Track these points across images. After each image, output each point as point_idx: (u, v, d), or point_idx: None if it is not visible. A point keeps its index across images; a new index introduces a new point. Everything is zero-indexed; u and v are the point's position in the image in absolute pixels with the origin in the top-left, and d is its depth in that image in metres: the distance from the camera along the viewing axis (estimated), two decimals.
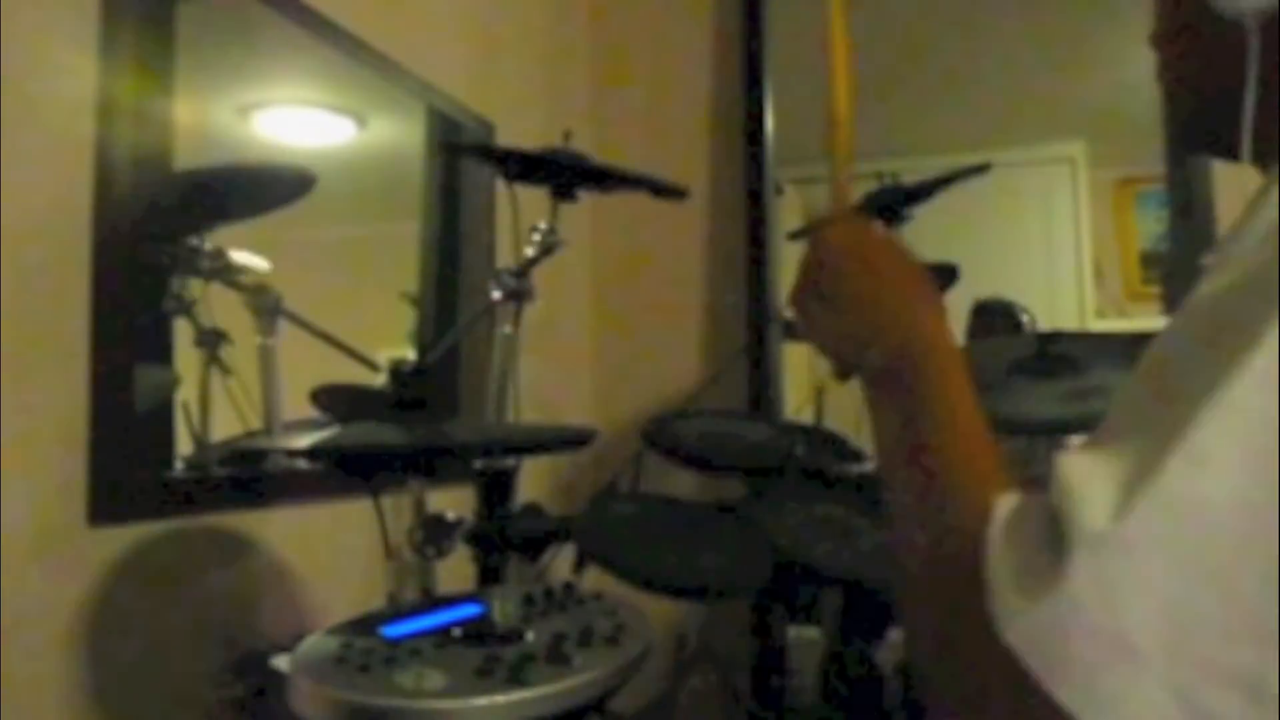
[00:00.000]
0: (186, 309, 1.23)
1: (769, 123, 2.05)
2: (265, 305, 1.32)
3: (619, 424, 1.72)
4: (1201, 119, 0.71)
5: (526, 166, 1.23)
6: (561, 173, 1.20)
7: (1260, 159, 0.65)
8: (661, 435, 1.50)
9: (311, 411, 1.43)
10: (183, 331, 1.22)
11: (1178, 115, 0.74)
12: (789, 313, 0.79)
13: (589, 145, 1.64)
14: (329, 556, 1.36)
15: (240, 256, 1.30)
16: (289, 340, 1.34)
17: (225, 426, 1.28)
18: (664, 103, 2.17)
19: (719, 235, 2.09)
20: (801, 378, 2.06)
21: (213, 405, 1.27)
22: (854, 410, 1.84)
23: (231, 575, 1.23)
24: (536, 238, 1.21)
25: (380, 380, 1.51)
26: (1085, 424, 1.59)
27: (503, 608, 0.92)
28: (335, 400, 1.45)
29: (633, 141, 2.13)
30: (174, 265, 1.20)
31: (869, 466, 1.72)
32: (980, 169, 1.67)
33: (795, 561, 1.20)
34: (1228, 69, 0.64)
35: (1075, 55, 2.01)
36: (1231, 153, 0.65)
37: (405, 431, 1.10)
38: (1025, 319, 1.86)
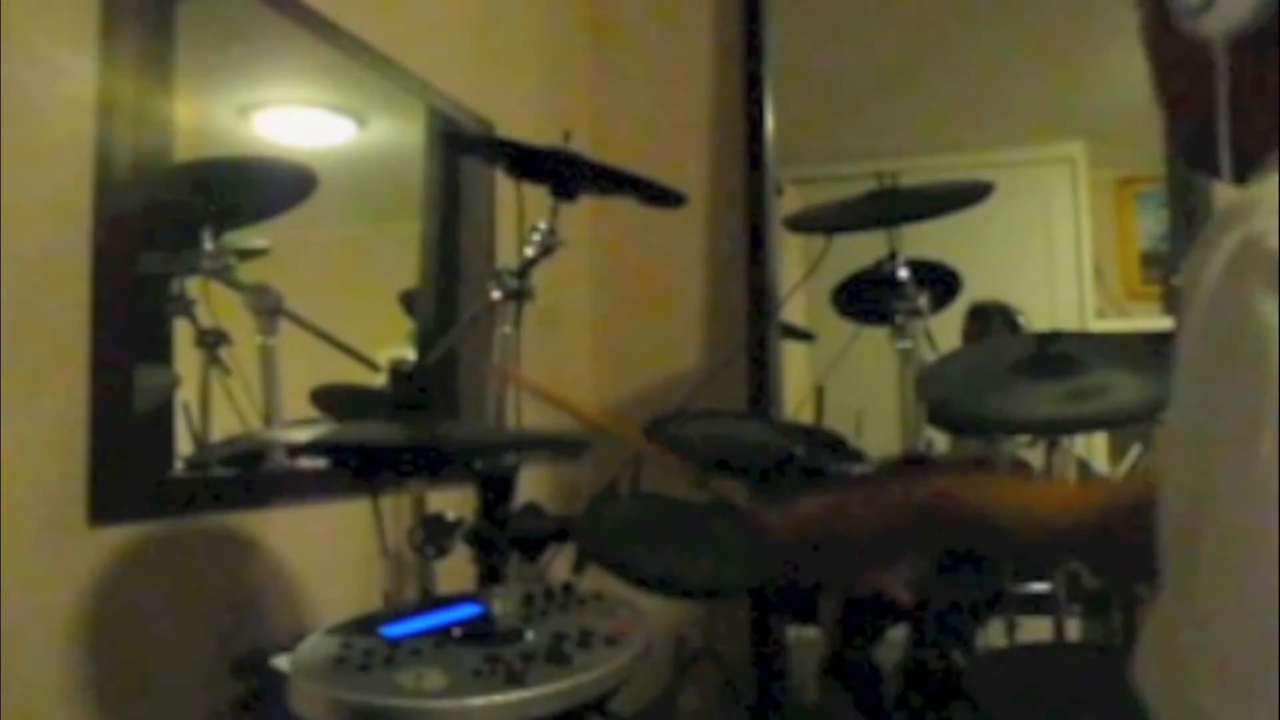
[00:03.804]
0: (186, 309, 1.23)
1: (769, 123, 2.05)
2: (265, 305, 1.32)
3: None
4: (1194, 137, 0.71)
5: (529, 163, 1.23)
6: (566, 170, 1.20)
7: (1243, 177, 0.65)
8: (661, 435, 1.50)
9: (311, 412, 1.43)
10: (183, 331, 1.22)
11: (1173, 133, 0.74)
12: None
13: (589, 145, 1.65)
14: (329, 556, 1.36)
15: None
16: (289, 340, 1.34)
17: (225, 426, 1.28)
18: (664, 103, 2.17)
19: (719, 235, 2.09)
20: (801, 377, 2.06)
21: (213, 405, 1.27)
22: (854, 410, 1.85)
23: (231, 575, 1.23)
24: (536, 238, 1.21)
25: (380, 380, 1.51)
26: (1085, 424, 1.59)
27: (503, 608, 0.92)
28: (335, 400, 1.45)
29: (633, 142, 2.13)
30: (174, 265, 1.20)
31: (869, 466, 1.72)
32: (983, 189, 1.67)
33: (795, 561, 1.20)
34: (1205, 87, 0.65)
35: (1075, 55, 2.01)
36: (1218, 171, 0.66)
37: (405, 430, 1.10)
38: (1021, 320, 1.86)
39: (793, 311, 2.07)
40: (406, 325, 1.70)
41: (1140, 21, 0.74)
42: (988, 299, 1.92)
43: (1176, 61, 0.70)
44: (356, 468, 1.15)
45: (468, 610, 0.95)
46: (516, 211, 1.22)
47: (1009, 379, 1.41)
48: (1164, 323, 1.94)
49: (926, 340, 1.70)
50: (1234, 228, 0.52)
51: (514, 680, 0.80)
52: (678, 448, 1.49)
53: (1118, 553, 0.82)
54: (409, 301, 1.70)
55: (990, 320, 1.89)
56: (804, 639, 1.81)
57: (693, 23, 2.16)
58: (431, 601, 1.04)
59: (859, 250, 1.81)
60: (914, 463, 1.59)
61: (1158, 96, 0.74)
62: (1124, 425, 1.96)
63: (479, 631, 0.90)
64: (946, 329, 1.84)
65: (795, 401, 1.99)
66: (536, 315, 1.26)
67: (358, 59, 1.48)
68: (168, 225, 1.16)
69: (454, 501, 1.14)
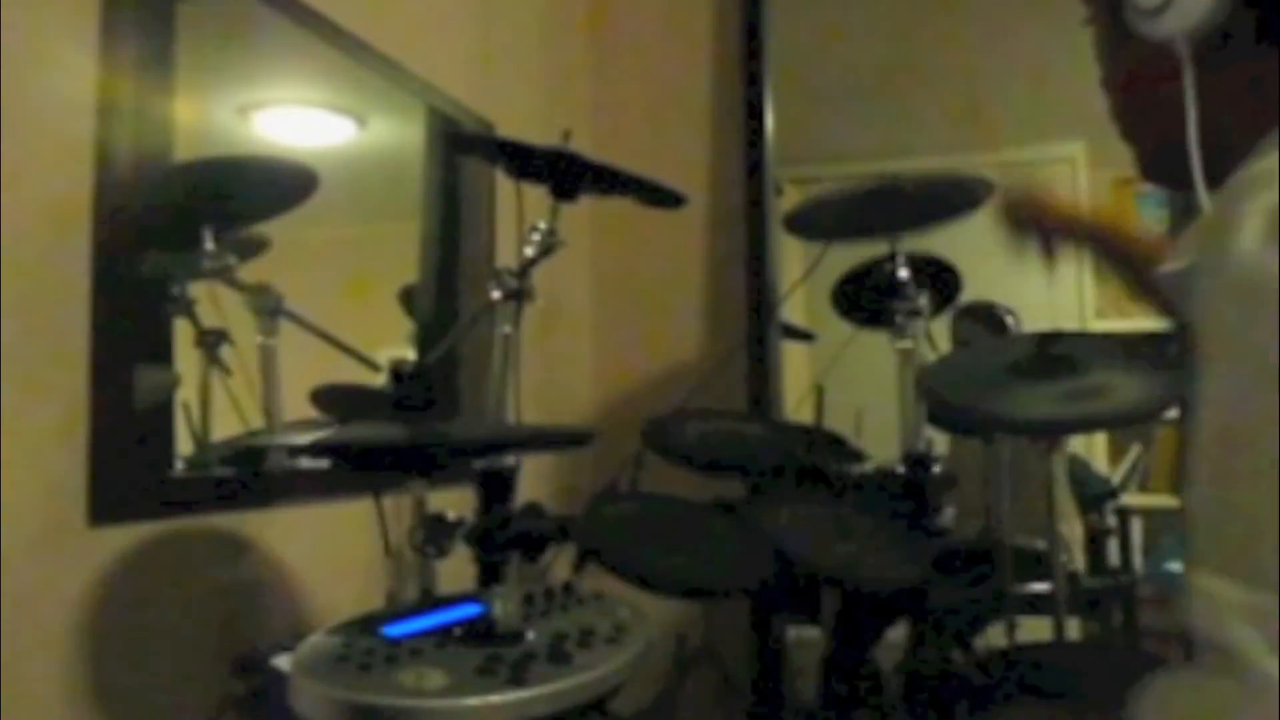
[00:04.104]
0: (187, 309, 1.23)
1: (769, 123, 2.05)
2: (265, 305, 1.32)
3: (619, 424, 1.72)
4: (1158, 150, 0.71)
5: (529, 163, 1.23)
6: (567, 170, 1.20)
7: (1217, 179, 0.65)
8: (661, 435, 1.50)
9: (311, 411, 1.43)
10: (183, 331, 1.22)
11: (1138, 155, 0.75)
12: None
13: (589, 145, 1.65)
14: (329, 556, 1.36)
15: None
16: (289, 340, 1.34)
17: (225, 426, 1.28)
18: (664, 103, 2.17)
19: (719, 235, 2.09)
20: (801, 377, 2.06)
21: (213, 405, 1.27)
22: (854, 410, 1.85)
23: (231, 575, 1.23)
24: (536, 238, 1.21)
25: (380, 380, 1.51)
26: (1085, 424, 1.59)
27: (503, 607, 0.92)
28: (335, 400, 1.45)
29: (633, 142, 2.13)
30: (174, 266, 1.20)
31: (868, 466, 1.73)
32: (983, 192, 1.67)
33: (795, 561, 1.20)
34: (1172, 105, 0.65)
35: (1075, 55, 2.01)
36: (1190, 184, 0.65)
37: (405, 430, 1.10)
38: (1010, 320, 1.85)
39: (793, 311, 2.07)
40: (406, 325, 1.70)
41: (1093, 40, 0.73)
42: (975, 300, 1.92)
43: (1134, 76, 0.69)
44: (357, 468, 1.15)
45: (468, 610, 0.95)
46: (516, 211, 1.22)
47: (1009, 379, 1.41)
48: (1164, 323, 1.94)
49: (926, 340, 1.70)
50: (1257, 195, 0.51)
51: (514, 680, 0.80)
52: (677, 448, 1.49)
53: None
54: (408, 298, 1.70)
55: (979, 321, 1.89)
56: (804, 639, 1.81)
57: (693, 22, 2.16)
58: (432, 601, 1.04)
59: (859, 249, 1.81)
60: None
61: (1116, 116, 0.74)
62: (1124, 425, 1.97)
63: (479, 631, 0.90)
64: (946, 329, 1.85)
65: (795, 401, 1.99)
66: (536, 315, 1.26)
67: (358, 59, 1.48)
68: (168, 225, 1.16)
69: (454, 501, 1.14)
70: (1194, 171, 0.63)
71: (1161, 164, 0.71)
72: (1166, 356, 1.43)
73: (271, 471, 1.32)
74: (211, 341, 1.27)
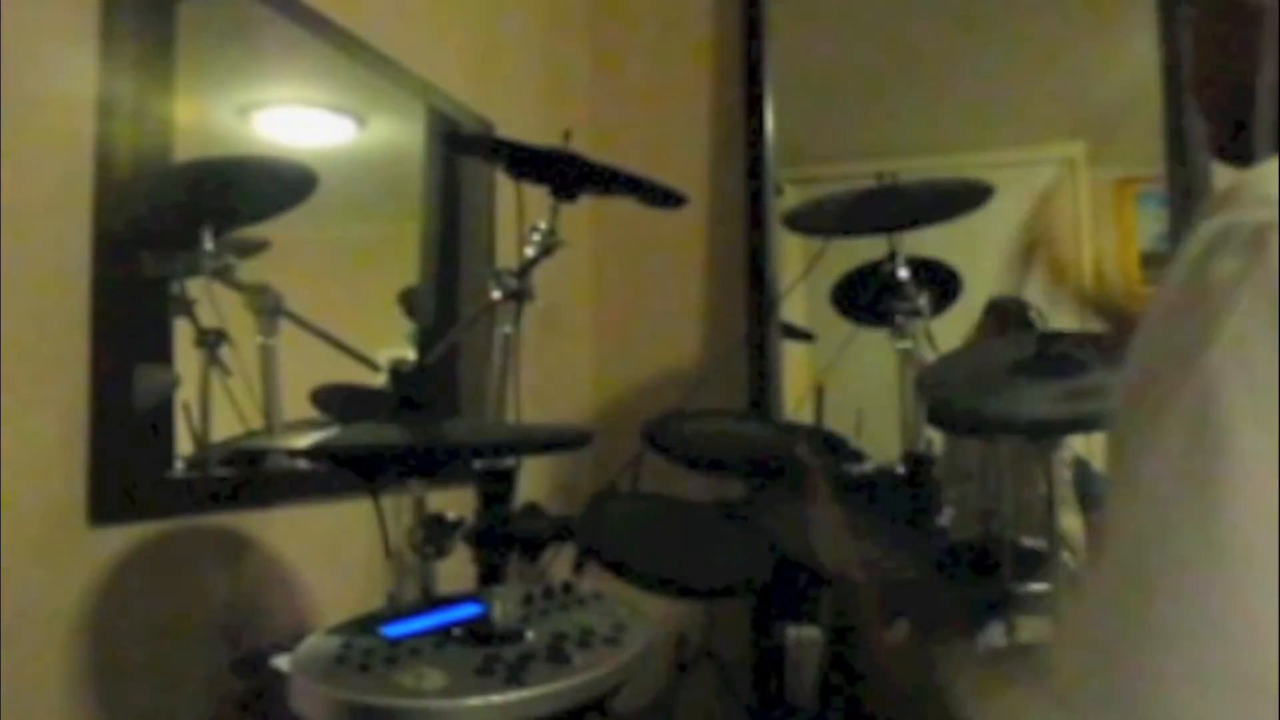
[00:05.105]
0: (187, 309, 1.23)
1: (769, 123, 2.05)
2: (265, 305, 1.32)
3: (619, 424, 1.72)
4: (1228, 122, 0.68)
5: (529, 163, 1.23)
6: (567, 170, 1.20)
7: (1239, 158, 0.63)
8: (661, 435, 1.50)
9: (311, 411, 1.43)
10: (183, 331, 1.22)
11: (1208, 123, 0.70)
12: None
13: (589, 145, 1.64)
14: (329, 556, 1.36)
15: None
16: (289, 340, 1.34)
17: (225, 426, 1.28)
18: (664, 103, 2.17)
19: (719, 235, 2.09)
20: (801, 377, 2.06)
21: (213, 405, 1.27)
22: (854, 410, 1.85)
23: (231, 575, 1.23)
24: (536, 238, 1.21)
25: (380, 380, 1.51)
26: (1085, 424, 1.59)
27: (503, 607, 0.92)
28: (335, 400, 1.45)
29: (633, 142, 2.13)
30: (174, 265, 1.20)
31: (869, 467, 1.73)
32: (983, 193, 1.67)
33: (795, 561, 1.20)
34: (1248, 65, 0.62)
35: (1075, 55, 2.01)
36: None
37: (405, 431, 1.10)
38: (1035, 316, 1.86)
39: (793, 311, 2.07)
40: (406, 325, 1.70)
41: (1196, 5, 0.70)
42: (1005, 295, 1.92)
43: (1222, 39, 0.64)
44: (357, 469, 1.15)
45: (468, 610, 0.95)
46: (516, 211, 1.22)
47: (1009, 379, 1.41)
48: None
49: (926, 340, 1.70)
50: (1221, 211, 0.49)
51: (514, 680, 0.80)
52: (677, 447, 1.49)
53: None
54: (408, 299, 1.70)
55: (1007, 316, 1.89)
56: (804, 639, 1.81)
57: (693, 22, 2.16)
58: (431, 601, 1.04)
59: (859, 248, 1.81)
60: None
61: (1196, 83, 0.68)
62: None
63: (479, 631, 0.90)
64: (947, 329, 1.85)
65: (795, 401, 1.99)
66: (536, 315, 1.26)
67: (358, 59, 1.48)
68: (168, 225, 1.16)
69: (454, 501, 1.14)
70: (1258, 143, 0.60)
71: (1230, 137, 0.67)
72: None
73: (271, 471, 1.32)
74: (211, 341, 1.27)
